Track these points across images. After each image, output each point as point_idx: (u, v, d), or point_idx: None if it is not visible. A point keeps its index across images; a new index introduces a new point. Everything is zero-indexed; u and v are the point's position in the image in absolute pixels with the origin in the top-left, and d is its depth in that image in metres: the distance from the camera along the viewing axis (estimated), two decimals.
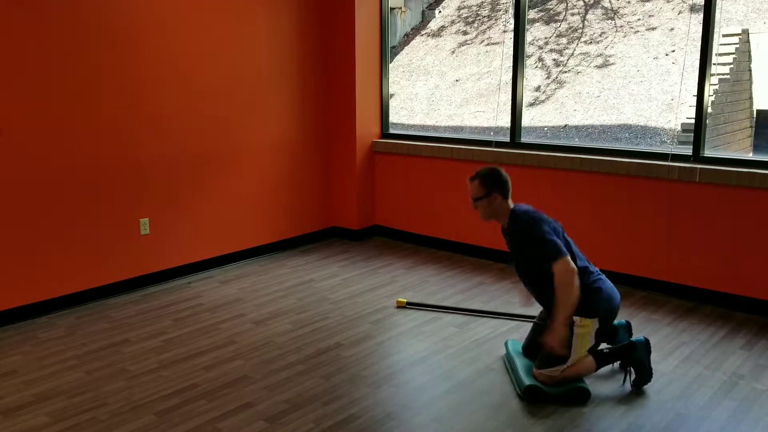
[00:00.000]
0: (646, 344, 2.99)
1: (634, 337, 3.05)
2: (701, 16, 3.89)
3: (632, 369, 3.01)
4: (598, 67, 7.99)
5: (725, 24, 7.03)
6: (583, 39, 8.27)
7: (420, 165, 5.20)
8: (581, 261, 3.03)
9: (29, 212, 3.78)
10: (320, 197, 5.45)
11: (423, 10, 10.02)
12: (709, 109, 4.49)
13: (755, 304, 3.84)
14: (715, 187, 3.88)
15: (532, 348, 3.13)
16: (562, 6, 8.68)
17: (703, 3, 3.88)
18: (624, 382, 3.02)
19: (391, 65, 5.58)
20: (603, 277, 3.08)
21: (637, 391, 2.98)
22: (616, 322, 3.06)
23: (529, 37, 8.39)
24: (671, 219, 4.07)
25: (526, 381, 2.93)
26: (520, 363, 3.11)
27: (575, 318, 2.90)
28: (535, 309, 3.42)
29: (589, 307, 2.92)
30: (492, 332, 3.64)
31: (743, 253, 3.85)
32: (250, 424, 2.75)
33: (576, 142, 6.81)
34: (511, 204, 3.10)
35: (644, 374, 2.98)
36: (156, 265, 4.43)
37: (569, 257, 2.87)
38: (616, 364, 3.15)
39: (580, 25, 8.37)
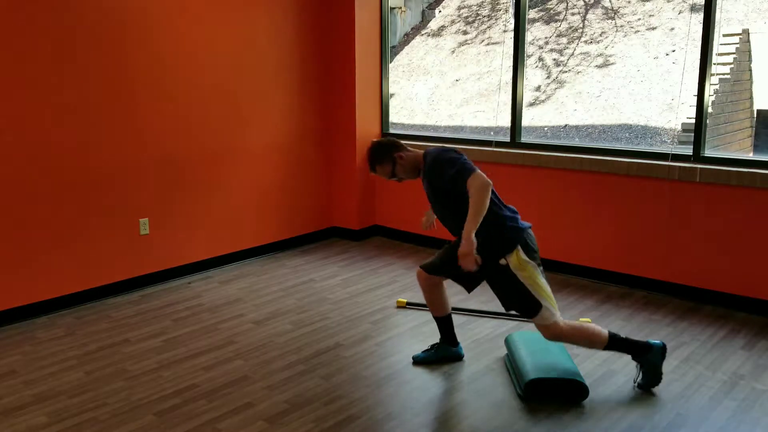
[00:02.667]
0: (662, 349, 2.97)
1: (652, 340, 3.01)
2: (701, 15, 3.89)
3: (642, 369, 2.99)
4: (599, 66, 7.98)
5: (725, 24, 7.03)
6: (583, 39, 8.27)
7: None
8: (503, 203, 2.97)
9: (29, 212, 3.78)
10: (320, 197, 5.45)
11: (423, 10, 10.02)
12: (710, 109, 4.49)
13: (755, 304, 3.84)
14: (716, 187, 3.87)
15: (441, 267, 3.07)
16: (562, 6, 8.68)
17: (703, 3, 3.87)
18: (634, 384, 3.01)
19: (391, 65, 5.58)
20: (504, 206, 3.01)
21: (638, 391, 2.98)
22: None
23: (529, 37, 8.38)
24: (671, 219, 4.06)
25: (528, 376, 2.92)
26: (520, 359, 3.09)
27: (500, 260, 2.82)
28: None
29: (503, 241, 2.84)
30: (492, 332, 3.64)
31: (743, 253, 3.85)
32: (250, 424, 2.75)
33: (576, 142, 6.81)
34: (417, 151, 3.07)
35: (653, 377, 2.97)
36: (156, 265, 4.42)
37: (480, 172, 2.79)
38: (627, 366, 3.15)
39: (581, 25, 8.37)
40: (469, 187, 2.77)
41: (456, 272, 2.98)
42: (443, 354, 3.27)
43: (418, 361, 3.28)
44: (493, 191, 2.86)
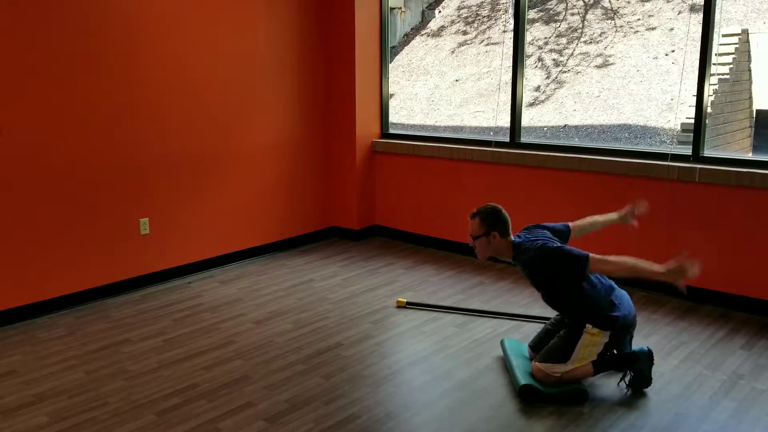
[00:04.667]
0: (649, 355, 2.97)
1: (637, 347, 3.02)
2: (701, 16, 3.89)
3: (631, 375, 2.99)
4: (598, 67, 7.99)
5: (725, 24, 7.04)
6: (582, 39, 8.28)
7: (420, 165, 5.20)
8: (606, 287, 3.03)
9: (29, 212, 3.78)
10: (320, 197, 5.45)
11: (423, 10, 10.02)
12: (709, 109, 4.49)
13: (755, 304, 3.84)
14: (715, 187, 3.88)
15: (540, 347, 3.13)
16: (562, 6, 8.69)
17: (702, 3, 3.88)
18: (619, 382, 3.02)
19: (391, 65, 5.59)
20: (617, 288, 3.07)
21: (634, 391, 2.98)
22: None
23: (528, 37, 8.39)
24: (671, 219, 4.07)
25: (522, 380, 2.93)
26: (516, 362, 3.11)
27: (587, 325, 2.91)
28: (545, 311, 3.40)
29: (604, 320, 2.92)
30: (492, 332, 3.64)
31: (743, 253, 3.85)
32: (250, 424, 2.75)
33: (576, 142, 6.82)
34: (511, 238, 3.08)
35: (642, 383, 2.97)
36: (156, 265, 4.43)
37: (591, 256, 2.83)
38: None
39: (580, 25, 8.38)
40: (603, 271, 2.85)
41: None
42: (641, 367, 3.02)
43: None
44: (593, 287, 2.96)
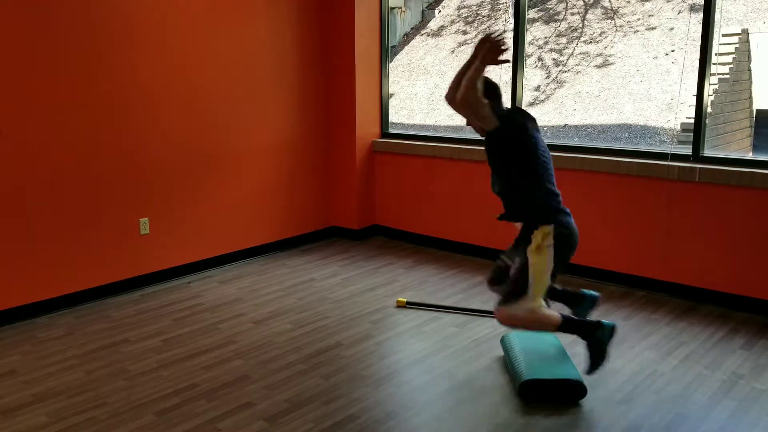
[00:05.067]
0: (611, 329, 2.95)
1: (605, 320, 3.00)
2: (701, 15, 3.89)
3: (589, 349, 2.96)
4: (598, 66, 7.99)
5: (725, 24, 7.04)
6: (582, 39, 8.28)
7: (420, 165, 5.20)
8: (552, 185, 3.00)
9: (29, 212, 3.78)
10: (320, 197, 5.45)
11: (423, 10, 10.02)
12: (709, 109, 4.49)
13: (755, 304, 3.84)
14: (715, 186, 3.88)
15: (498, 280, 3.13)
16: (562, 6, 8.68)
17: (702, 3, 3.88)
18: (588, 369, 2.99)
19: (391, 65, 5.59)
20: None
21: (638, 391, 2.98)
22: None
23: (528, 37, 8.39)
24: (671, 219, 4.07)
25: (524, 376, 2.92)
26: (518, 357, 3.09)
27: (535, 231, 2.87)
28: None
29: (546, 210, 2.90)
30: (492, 332, 3.64)
31: (743, 253, 3.85)
32: (250, 423, 2.75)
33: (576, 142, 6.82)
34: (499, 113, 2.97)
35: (599, 356, 2.94)
36: (156, 265, 4.43)
37: (484, 104, 2.79)
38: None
39: (580, 25, 8.38)
40: (464, 97, 2.77)
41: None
42: (584, 312, 3.20)
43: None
44: (549, 169, 2.97)
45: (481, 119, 2.85)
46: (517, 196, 2.98)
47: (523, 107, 2.95)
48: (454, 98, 2.86)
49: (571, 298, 3.19)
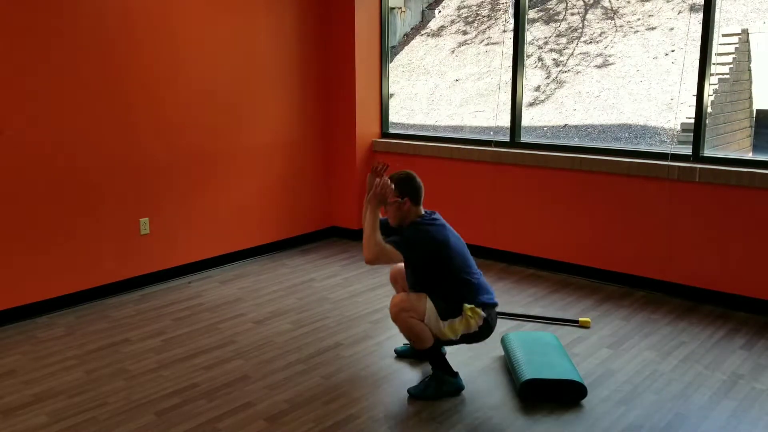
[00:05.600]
0: (457, 390, 2.97)
1: (460, 380, 3.01)
2: (701, 15, 3.89)
3: (429, 379, 2.97)
4: (598, 66, 7.99)
5: (725, 24, 7.04)
6: (582, 39, 8.28)
7: (420, 165, 5.20)
8: (468, 275, 2.99)
9: (29, 212, 3.78)
10: (320, 197, 5.45)
11: (423, 10, 10.02)
12: (709, 109, 4.49)
13: (755, 304, 3.84)
14: (715, 186, 3.88)
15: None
16: (562, 6, 8.69)
17: (702, 3, 3.88)
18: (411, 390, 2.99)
19: (391, 65, 5.58)
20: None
21: (638, 391, 2.98)
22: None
23: (528, 37, 8.39)
24: (671, 219, 4.07)
25: (525, 376, 2.92)
26: (516, 359, 3.09)
27: (465, 305, 2.89)
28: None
29: (482, 304, 2.93)
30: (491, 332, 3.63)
31: (743, 253, 3.85)
32: (250, 423, 2.75)
33: (576, 142, 6.82)
34: (422, 211, 3.06)
35: (429, 392, 2.94)
36: (156, 265, 4.43)
37: (393, 254, 2.88)
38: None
39: (580, 25, 8.38)
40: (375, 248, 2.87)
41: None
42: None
43: (398, 354, 3.35)
44: (474, 269, 3.02)
45: (395, 258, 2.92)
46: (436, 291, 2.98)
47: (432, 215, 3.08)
48: (368, 260, 2.90)
49: (444, 366, 3.03)
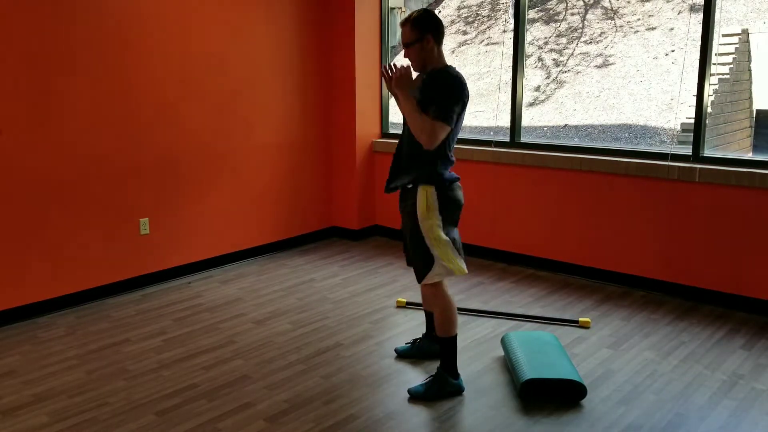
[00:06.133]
0: (459, 390, 2.96)
1: (462, 381, 2.99)
2: (701, 15, 3.89)
3: (431, 380, 2.97)
4: (598, 67, 7.99)
5: (725, 24, 7.04)
6: (582, 39, 8.28)
7: None
8: (451, 153, 2.94)
9: (29, 212, 3.78)
10: (320, 197, 5.45)
11: None
12: (709, 109, 4.49)
13: (755, 304, 3.84)
14: (715, 187, 3.88)
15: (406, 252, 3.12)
16: (562, 6, 8.69)
17: (702, 3, 3.88)
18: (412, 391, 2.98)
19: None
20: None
21: (638, 391, 2.98)
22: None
23: (528, 37, 8.39)
24: (671, 219, 4.07)
25: (527, 375, 2.92)
26: (520, 356, 3.09)
27: (419, 189, 2.83)
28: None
29: (431, 177, 2.85)
30: (492, 332, 3.64)
31: (743, 253, 3.85)
32: (250, 423, 2.75)
33: (576, 142, 6.82)
34: (445, 60, 2.91)
35: (430, 394, 2.93)
36: (156, 265, 4.43)
37: (447, 131, 2.76)
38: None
39: (580, 25, 8.38)
40: (431, 124, 2.72)
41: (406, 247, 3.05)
42: (425, 350, 3.29)
43: (399, 353, 3.33)
44: (450, 152, 2.90)
45: (446, 128, 2.77)
46: (416, 160, 2.87)
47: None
48: (430, 143, 2.77)
49: (452, 366, 3.00)
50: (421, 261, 2.90)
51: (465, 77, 2.87)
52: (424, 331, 3.50)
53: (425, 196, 2.84)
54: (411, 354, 3.34)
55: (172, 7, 4.25)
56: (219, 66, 4.56)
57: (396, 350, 3.39)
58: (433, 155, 2.85)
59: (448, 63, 2.94)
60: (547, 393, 2.91)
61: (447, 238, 2.86)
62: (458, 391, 2.98)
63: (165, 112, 4.31)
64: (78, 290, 4.06)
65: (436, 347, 3.24)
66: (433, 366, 3.17)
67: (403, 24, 2.88)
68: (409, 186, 2.91)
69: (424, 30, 2.83)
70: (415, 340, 3.39)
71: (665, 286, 4.16)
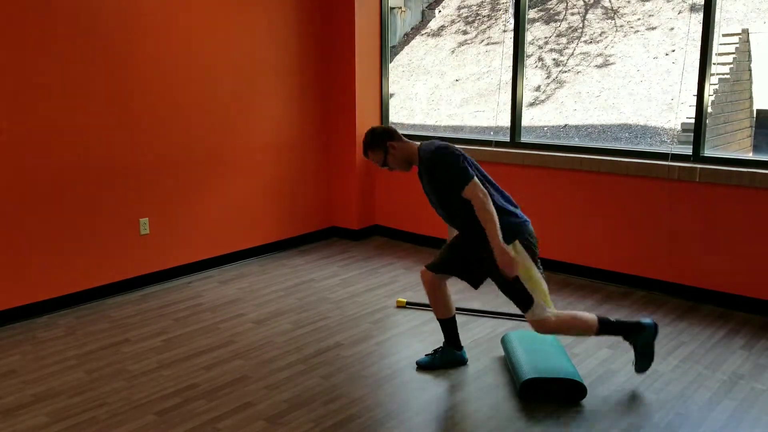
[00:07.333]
0: (654, 327, 2.97)
1: (643, 319, 3.02)
2: (701, 15, 3.89)
3: (636, 351, 2.98)
4: (598, 66, 7.99)
5: (725, 24, 7.03)
6: (583, 39, 8.27)
7: None
8: (497, 193, 2.96)
9: (29, 212, 3.78)
10: (320, 197, 5.45)
11: (423, 10, 10.02)
12: (709, 109, 4.49)
13: (755, 304, 3.84)
14: (715, 186, 3.88)
15: (447, 265, 3.09)
16: (562, 6, 8.68)
17: (703, 3, 3.88)
18: (634, 363, 3.01)
19: (391, 65, 5.58)
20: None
21: (638, 391, 2.98)
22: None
23: (529, 37, 8.39)
24: (671, 219, 4.07)
25: (526, 375, 2.92)
26: (519, 356, 3.09)
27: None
28: None
29: (507, 229, 2.86)
30: (492, 332, 3.64)
31: (743, 253, 3.85)
32: (250, 423, 2.75)
33: (576, 142, 6.82)
34: (413, 143, 3.04)
35: (646, 357, 2.97)
36: (156, 265, 4.43)
37: (476, 179, 2.82)
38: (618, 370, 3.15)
39: (580, 25, 8.38)
40: (470, 199, 2.81)
41: (461, 269, 3.05)
42: (448, 358, 3.24)
43: (422, 366, 3.23)
44: (493, 184, 2.95)
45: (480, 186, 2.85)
46: (476, 222, 2.89)
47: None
48: (479, 201, 2.82)
49: (628, 328, 2.99)
50: (518, 301, 2.91)
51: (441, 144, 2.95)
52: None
53: (513, 252, 2.86)
54: (435, 366, 3.23)
55: (170, 7, 4.25)
56: (219, 66, 4.56)
57: (418, 363, 3.25)
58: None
59: (419, 145, 3.03)
60: (547, 393, 2.91)
61: (541, 276, 2.91)
62: (653, 330, 2.96)
63: (165, 112, 4.31)
64: (78, 290, 4.06)
65: (458, 355, 3.25)
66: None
67: (365, 154, 3.09)
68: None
69: (382, 144, 3.02)
70: (436, 350, 3.30)
71: (665, 286, 4.16)
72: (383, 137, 3.02)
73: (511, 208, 2.96)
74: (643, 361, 3.00)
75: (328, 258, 5.02)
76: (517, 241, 2.87)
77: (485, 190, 2.83)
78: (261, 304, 4.10)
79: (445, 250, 3.14)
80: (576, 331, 2.94)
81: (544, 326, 2.89)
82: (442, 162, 2.89)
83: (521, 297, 2.88)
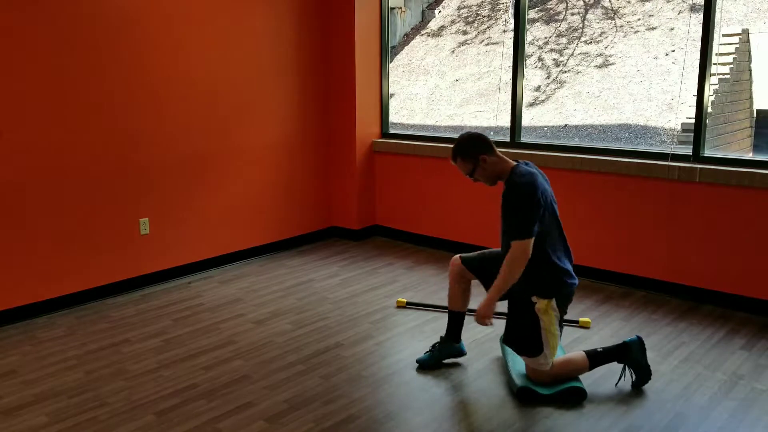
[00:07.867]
0: (639, 343, 2.97)
1: (627, 338, 3.03)
2: (701, 15, 3.89)
3: (630, 370, 3.01)
4: (598, 66, 7.99)
5: (725, 24, 7.04)
6: (583, 39, 8.28)
7: (420, 165, 5.20)
8: (560, 243, 2.95)
9: (29, 212, 3.78)
10: (320, 197, 5.45)
11: (423, 10, 10.03)
12: (709, 109, 4.49)
13: (755, 304, 3.84)
14: (715, 187, 3.88)
15: (477, 265, 3.12)
16: (562, 6, 8.69)
17: (703, 3, 3.88)
18: (617, 382, 3.02)
19: (391, 65, 5.59)
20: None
21: (638, 391, 2.98)
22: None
23: (529, 37, 8.39)
24: (671, 219, 4.07)
25: (519, 383, 2.94)
26: (514, 364, 3.10)
27: (533, 299, 2.86)
28: None
29: (551, 285, 2.88)
30: (492, 332, 3.64)
31: (743, 253, 3.85)
32: (250, 424, 2.75)
33: (576, 142, 6.82)
34: (508, 160, 2.92)
35: (642, 374, 2.98)
36: (156, 265, 4.43)
37: (532, 241, 2.79)
38: (615, 365, 3.15)
39: (580, 25, 8.38)
40: (513, 249, 2.80)
41: (488, 279, 3.03)
42: (447, 350, 3.24)
43: (422, 363, 3.23)
44: (561, 233, 2.94)
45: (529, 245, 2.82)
46: (526, 273, 2.87)
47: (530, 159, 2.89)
48: (525, 261, 2.82)
49: (616, 353, 3.00)
50: (527, 346, 2.91)
51: (534, 173, 2.86)
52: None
53: (547, 307, 2.87)
54: (434, 360, 3.22)
55: (170, 6, 4.25)
56: (219, 66, 4.56)
57: (418, 362, 3.25)
58: (539, 265, 2.87)
59: (515, 166, 2.90)
60: (545, 396, 2.91)
61: (559, 332, 2.92)
62: (639, 345, 2.97)
63: (165, 112, 4.31)
64: (77, 290, 4.06)
65: (456, 347, 3.25)
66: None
67: (453, 160, 2.95)
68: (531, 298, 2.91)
69: (474, 156, 2.89)
70: (434, 345, 3.29)
71: (665, 286, 4.16)
72: (478, 149, 2.88)
73: (568, 266, 2.94)
74: (640, 378, 2.99)
75: (328, 258, 5.02)
76: (554, 300, 2.89)
77: (529, 254, 2.79)
78: (261, 304, 4.10)
79: (487, 253, 3.16)
80: (569, 376, 2.96)
81: (540, 376, 2.94)
82: (515, 202, 2.82)
83: (532, 343, 2.89)
